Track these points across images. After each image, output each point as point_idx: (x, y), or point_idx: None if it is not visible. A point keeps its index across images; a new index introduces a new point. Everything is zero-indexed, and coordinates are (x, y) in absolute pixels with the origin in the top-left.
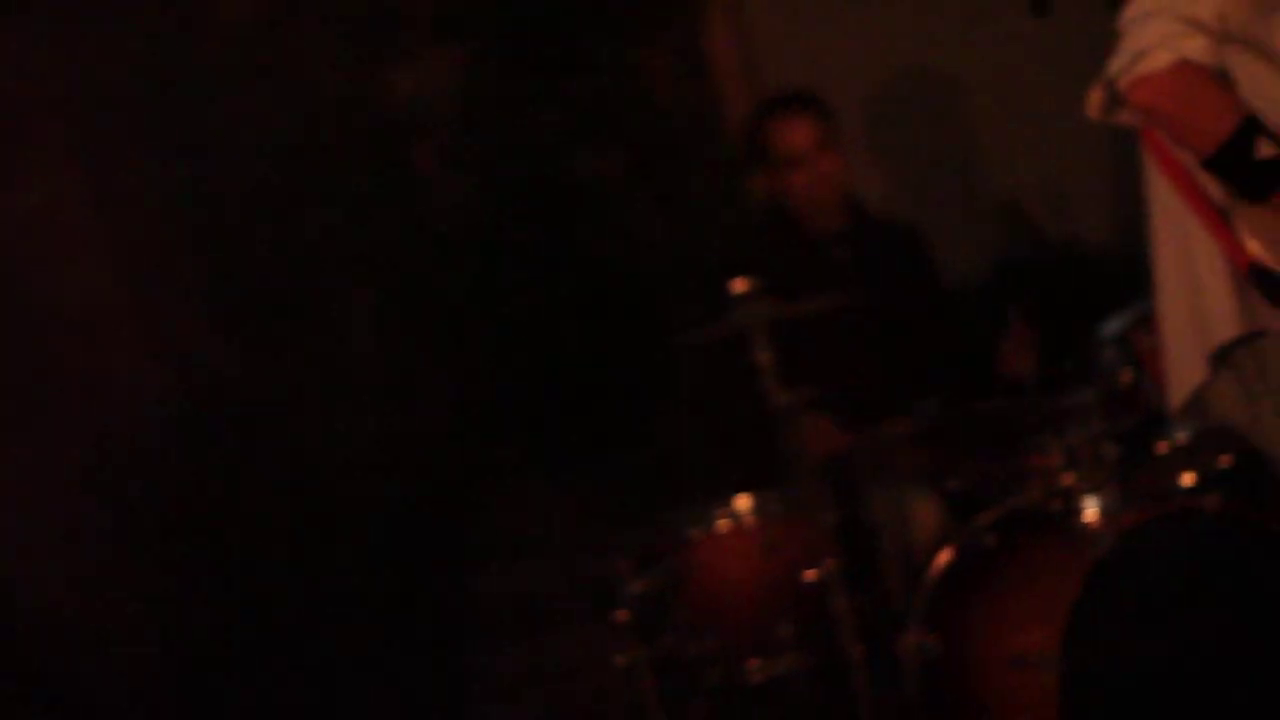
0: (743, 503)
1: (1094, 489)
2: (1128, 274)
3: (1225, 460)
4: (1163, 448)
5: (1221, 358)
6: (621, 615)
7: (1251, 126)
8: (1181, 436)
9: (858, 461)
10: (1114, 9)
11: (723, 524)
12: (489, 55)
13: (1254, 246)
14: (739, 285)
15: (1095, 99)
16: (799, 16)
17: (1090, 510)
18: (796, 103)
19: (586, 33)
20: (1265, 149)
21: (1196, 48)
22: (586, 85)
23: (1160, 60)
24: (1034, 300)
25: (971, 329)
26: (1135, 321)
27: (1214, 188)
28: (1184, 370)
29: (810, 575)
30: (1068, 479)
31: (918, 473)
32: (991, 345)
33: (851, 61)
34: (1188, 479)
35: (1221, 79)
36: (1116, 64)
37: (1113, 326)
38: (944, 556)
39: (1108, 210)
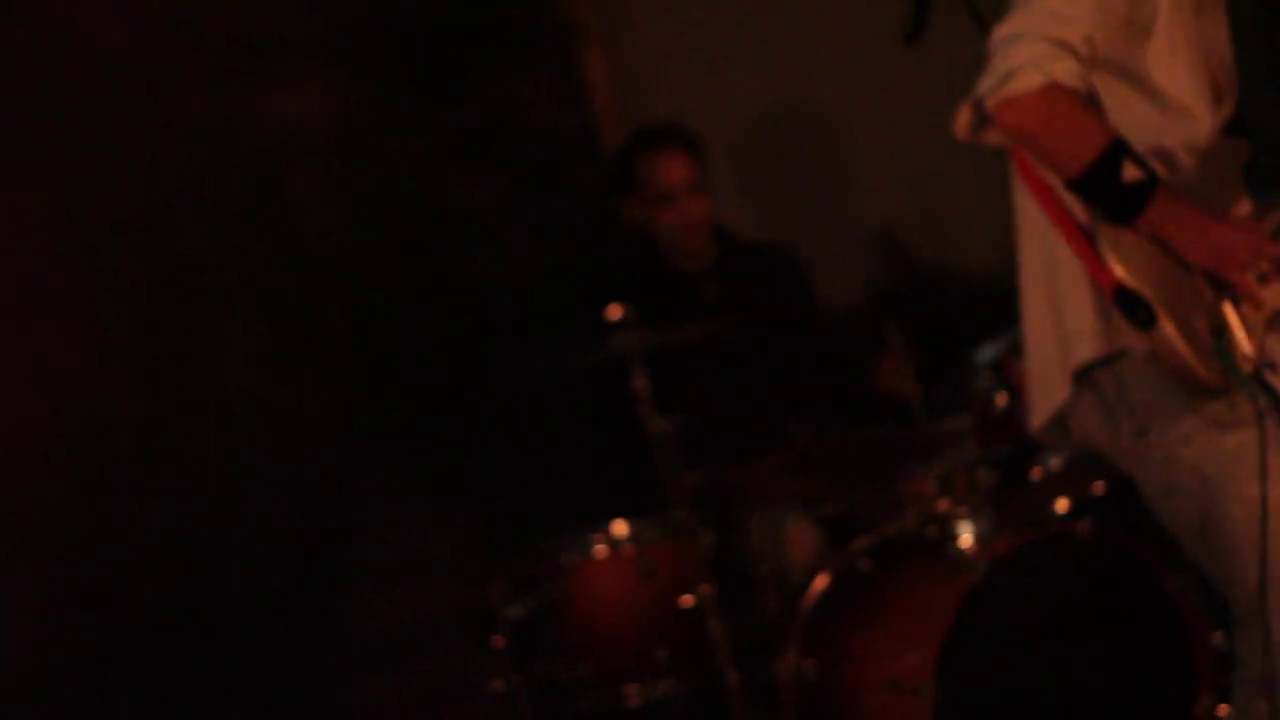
0: (619, 528)
1: (969, 515)
2: (1002, 301)
3: (1098, 486)
4: (1037, 474)
5: (1083, 378)
6: (498, 641)
7: (1118, 149)
8: (1055, 463)
9: (734, 487)
10: (985, 34)
11: (599, 549)
12: (365, 80)
13: (1118, 268)
14: (614, 313)
15: (963, 118)
16: (675, 45)
17: (965, 536)
18: (669, 139)
19: (464, 59)
20: (1131, 172)
21: (1066, 70)
22: (463, 111)
23: (1029, 81)
24: (911, 319)
25: (847, 354)
26: (1009, 348)
27: (1080, 209)
28: (1046, 389)
29: (687, 601)
30: (943, 505)
31: (794, 499)
32: (869, 366)
33: (728, 89)
34: (1061, 505)
35: (1090, 102)
36: (985, 83)
37: (987, 353)
38: (820, 582)
39: (982, 237)
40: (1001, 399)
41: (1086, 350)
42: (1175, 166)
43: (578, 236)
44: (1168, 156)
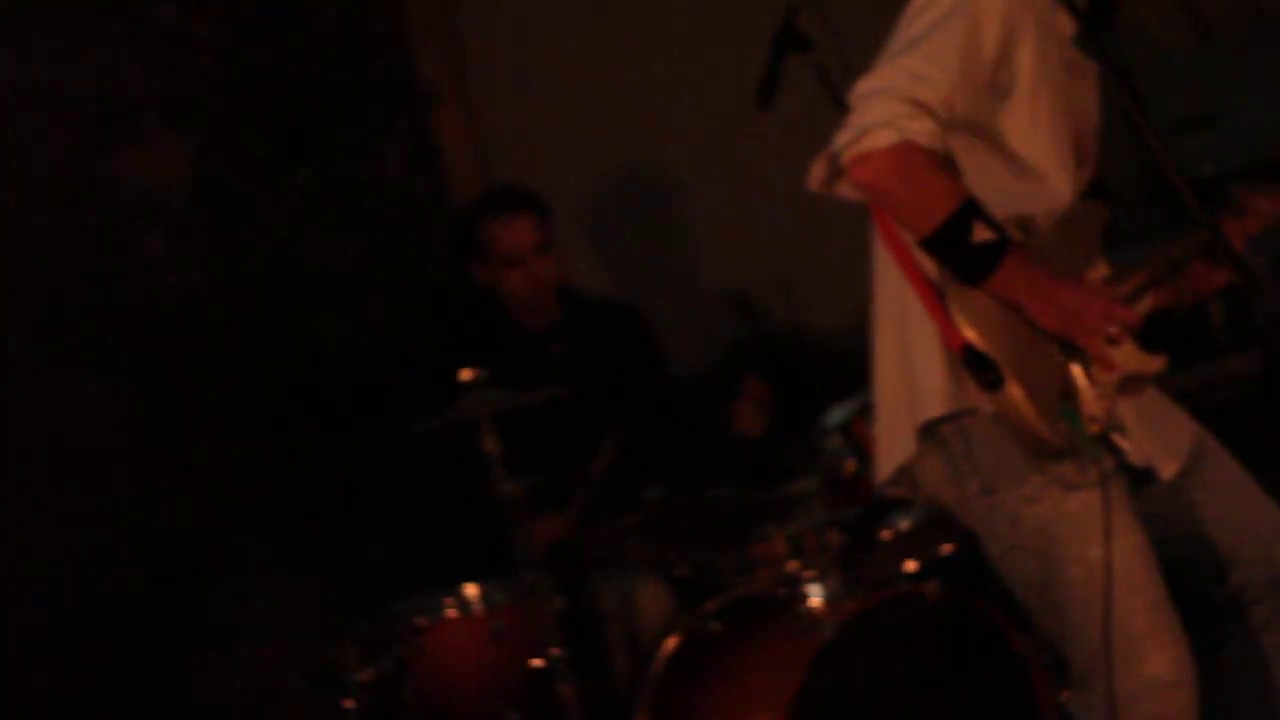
0: (470, 590)
1: (818, 576)
2: (852, 363)
3: (946, 548)
4: (886, 535)
5: (931, 434)
6: (349, 703)
7: (970, 211)
8: (904, 524)
9: (585, 549)
10: (837, 100)
11: (450, 612)
12: (222, 142)
13: (967, 329)
14: (466, 375)
15: (818, 171)
16: (529, 108)
17: (815, 597)
18: (517, 202)
19: (320, 121)
20: (982, 234)
21: (921, 130)
22: (319, 173)
23: (884, 138)
24: (765, 366)
25: (699, 415)
26: (859, 410)
27: (932, 267)
28: (893, 443)
29: (537, 663)
30: (792, 566)
31: (644, 560)
32: (723, 416)
33: (583, 152)
34: (910, 566)
35: (944, 163)
36: (842, 137)
37: (836, 415)
38: (670, 643)
39: (833, 299)
40: (850, 462)
41: (934, 407)
42: (1030, 231)
43: (431, 298)
44: (1023, 222)
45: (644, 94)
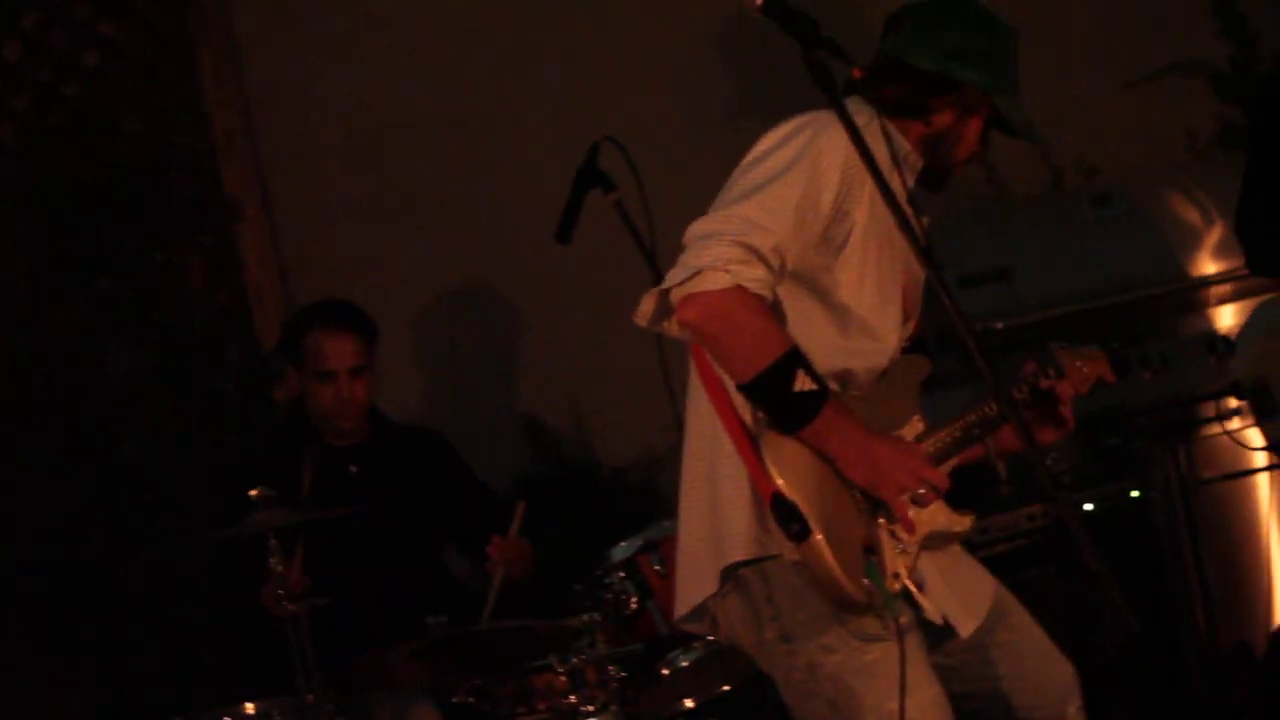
0: (248, 708)
1: (597, 711)
2: (642, 498)
3: (724, 687)
4: (666, 672)
5: (732, 575)
6: None
7: (792, 360)
8: (684, 662)
9: (364, 672)
10: (640, 244)
11: None
12: (19, 249)
13: (777, 477)
14: (255, 490)
15: (646, 306)
16: (331, 227)
17: None
18: (345, 320)
19: (120, 230)
20: (802, 383)
21: (752, 277)
22: (118, 282)
23: (715, 281)
24: (554, 509)
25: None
26: (645, 546)
27: (748, 412)
28: (694, 580)
29: None
30: (572, 700)
31: (423, 685)
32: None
33: (389, 272)
34: (689, 703)
35: (771, 310)
36: (674, 276)
37: (623, 550)
38: None
39: (625, 433)
40: (633, 597)
41: (738, 551)
42: (850, 384)
43: (226, 411)
44: (845, 375)
45: (447, 218)
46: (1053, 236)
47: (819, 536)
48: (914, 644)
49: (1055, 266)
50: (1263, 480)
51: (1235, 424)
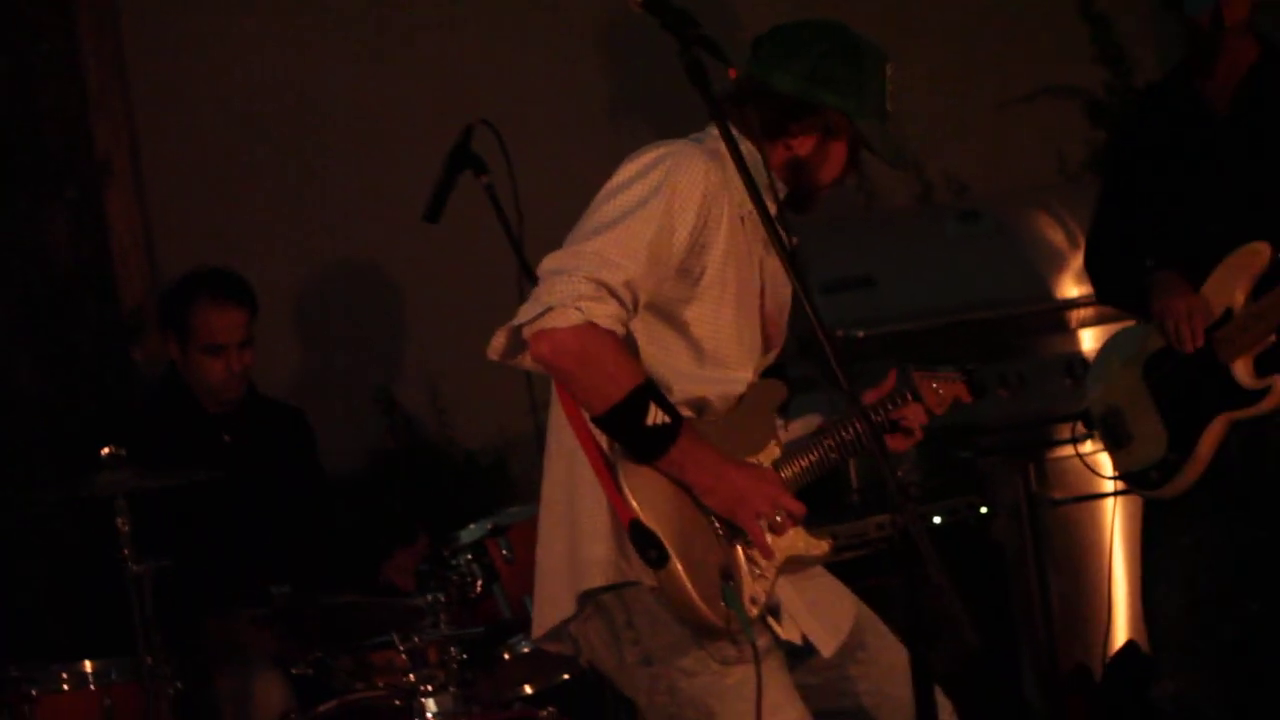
0: (87, 665)
1: (435, 690)
2: (494, 482)
3: (563, 675)
4: (507, 656)
5: (591, 599)
6: None
7: (644, 394)
8: (525, 648)
9: (208, 637)
10: (506, 229)
11: (64, 684)
12: None
13: (635, 504)
14: (105, 451)
15: (498, 342)
16: (200, 189)
17: (430, 711)
18: (233, 293)
19: None
20: (655, 416)
21: (604, 313)
22: None
23: (565, 319)
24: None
25: (342, 516)
26: (494, 531)
27: (606, 440)
28: (551, 602)
29: None
30: (412, 678)
31: (266, 654)
32: (378, 546)
33: (249, 239)
34: (528, 689)
35: (623, 345)
36: (525, 312)
37: (472, 532)
38: None
39: (485, 417)
40: (479, 580)
41: (596, 577)
42: (705, 412)
43: (84, 370)
44: (700, 403)
45: (317, 191)
46: (919, 249)
47: (676, 564)
48: (775, 665)
49: (919, 279)
50: (1109, 505)
51: (1088, 447)
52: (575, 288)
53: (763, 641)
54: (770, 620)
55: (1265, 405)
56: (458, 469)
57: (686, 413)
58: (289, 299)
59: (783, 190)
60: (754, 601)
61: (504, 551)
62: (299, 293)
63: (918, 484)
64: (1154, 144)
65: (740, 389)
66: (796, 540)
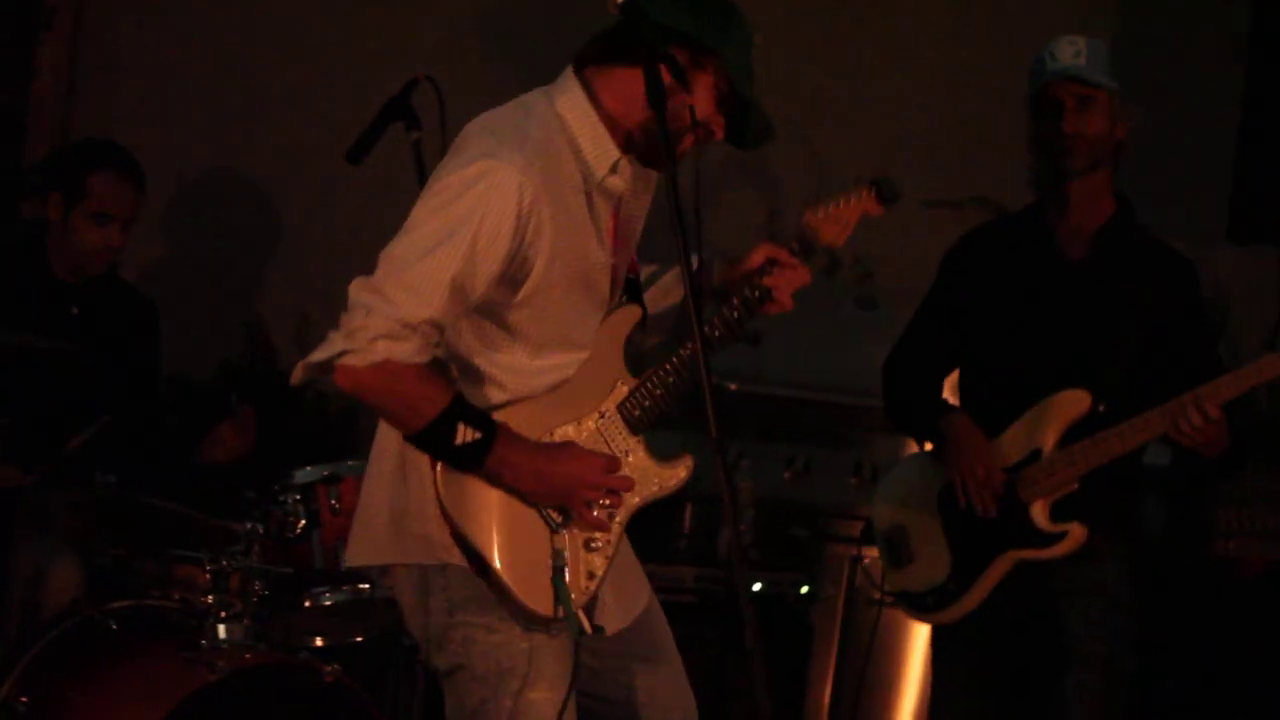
0: None
1: (229, 618)
2: (340, 430)
3: (360, 635)
4: (308, 604)
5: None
6: None
7: (451, 416)
8: (328, 600)
9: (13, 506)
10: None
11: None
12: None
13: (457, 520)
14: None
15: (300, 373)
16: (135, 71)
17: (219, 636)
18: (133, 170)
19: None
20: (465, 435)
21: (405, 349)
22: None
23: (363, 358)
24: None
25: (182, 417)
26: (329, 478)
27: None
28: (370, 544)
29: None
30: (208, 599)
31: (74, 539)
32: (204, 429)
33: (169, 131)
34: (319, 641)
35: (427, 372)
36: (328, 349)
37: (306, 474)
38: (66, 625)
39: None
40: (301, 522)
41: (418, 554)
42: (547, 390)
43: None
44: (540, 388)
45: (248, 98)
46: (812, 322)
47: (500, 574)
48: (565, 643)
49: (803, 350)
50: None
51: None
52: (376, 326)
53: (564, 616)
54: (581, 617)
55: (1058, 550)
56: (307, 408)
57: (524, 400)
58: (186, 197)
59: (637, 145)
60: (592, 576)
61: (333, 501)
62: (200, 194)
63: (754, 546)
64: (995, 274)
65: (577, 362)
66: (649, 481)
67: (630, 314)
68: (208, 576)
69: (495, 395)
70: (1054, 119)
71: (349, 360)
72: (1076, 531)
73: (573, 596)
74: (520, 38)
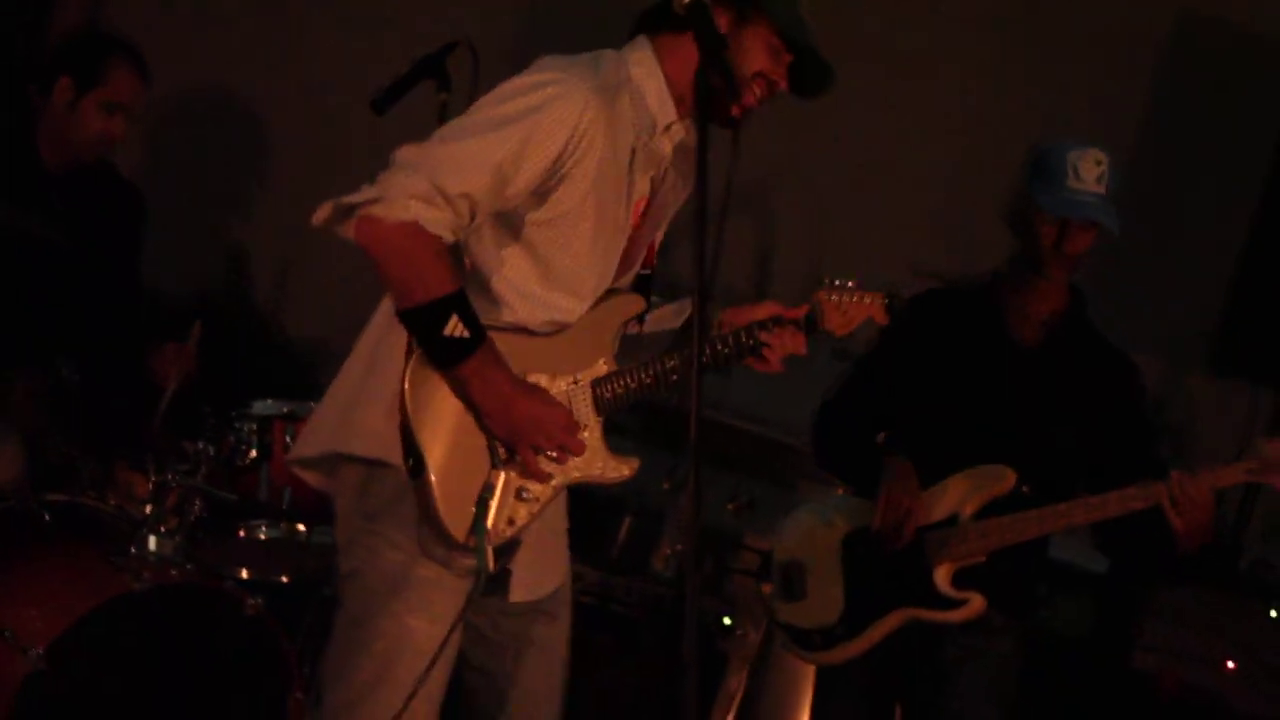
0: None
1: (162, 533)
2: (301, 376)
3: (286, 578)
4: (242, 534)
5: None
6: None
7: (450, 304)
8: (263, 533)
9: None
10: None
11: None
12: None
13: (410, 408)
14: None
15: (323, 212)
16: None
17: (149, 548)
18: (146, 68)
19: None
20: (455, 329)
21: (433, 219)
22: None
23: (394, 212)
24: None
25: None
26: (288, 415)
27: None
28: (322, 430)
29: None
30: (145, 510)
31: (24, 426)
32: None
33: (194, 49)
34: (244, 573)
35: (446, 252)
36: (362, 194)
37: (265, 407)
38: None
39: (321, 310)
40: (253, 452)
41: (359, 445)
42: (532, 333)
43: None
44: (532, 325)
45: (269, 39)
46: (786, 363)
47: (430, 478)
48: (462, 586)
49: (772, 390)
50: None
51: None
52: (413, 185)
53: (469, 562)
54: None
55: (954, 615)
56: (273, 345)
57: (517, 332)
58: (200, 119)
59: (688, 111)
60: (511, 523)
61: (287, 439)
62: (213, 118)
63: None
64: (938, 343)
65: (572, 319)
66: (594, 461)
67: (634, 302)
68: (149, 487)
69: (493, 313)
70: (1057, 233)
71: (376, 210)
72: (976, 602)
73: (489, 530)
74: (562, 18)
